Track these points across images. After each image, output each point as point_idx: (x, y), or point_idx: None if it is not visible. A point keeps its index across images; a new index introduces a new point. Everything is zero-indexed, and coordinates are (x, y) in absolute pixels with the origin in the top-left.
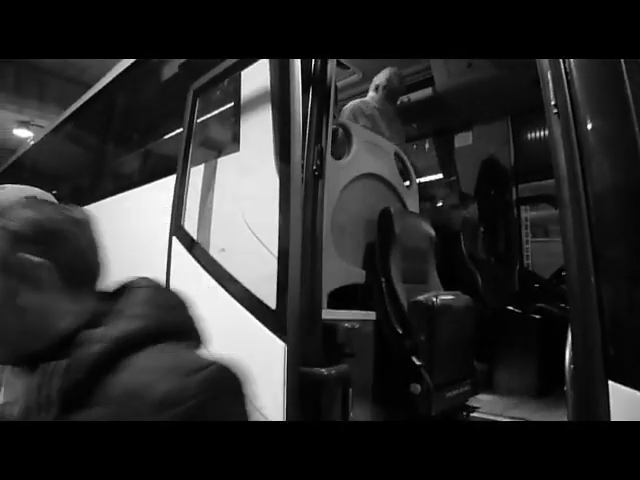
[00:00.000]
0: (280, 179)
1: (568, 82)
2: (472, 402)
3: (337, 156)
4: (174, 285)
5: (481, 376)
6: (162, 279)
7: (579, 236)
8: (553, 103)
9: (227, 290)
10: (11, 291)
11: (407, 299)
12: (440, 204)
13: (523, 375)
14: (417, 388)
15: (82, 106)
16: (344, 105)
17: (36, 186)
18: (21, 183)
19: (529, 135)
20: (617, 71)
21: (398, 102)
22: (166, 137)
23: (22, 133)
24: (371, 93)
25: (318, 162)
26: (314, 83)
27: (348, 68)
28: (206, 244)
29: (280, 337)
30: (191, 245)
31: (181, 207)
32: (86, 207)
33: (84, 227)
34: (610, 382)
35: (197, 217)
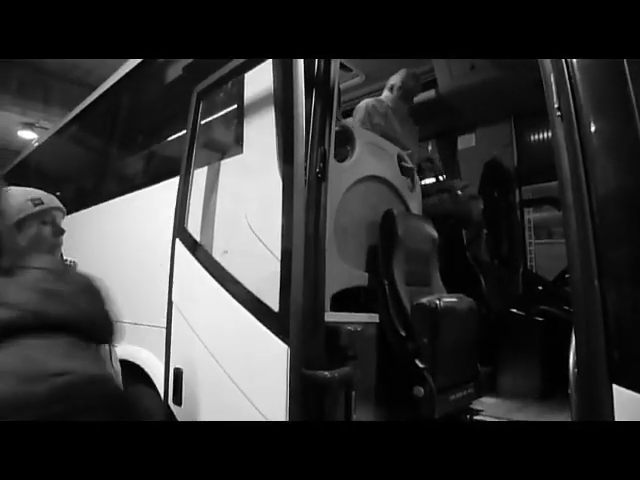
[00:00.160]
0: (283, 181)
1: (571, 84)
2: (475, 405)
3: (340, 158)
4: (178, 287)
5: (484, 379)
6: (165, 281)
7: (583, 239)
8: (556, 106)
9: (230, 292)
10: None
11: (410, 302)
12: (458, 194)
13: (527, 378)
14: (420, 391)
15: (86, 108)
16: (347, 107)
17: (40, 188)
18: (25, 184)
19: (532, 137)
20: (620, 73)
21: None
22: (170, 139)
23: (27, 135)
24: (386, 92)
25: (321, 164)
26: (317, 85)
27: (351, 70)
28: (209, 246)
29: (283, 339)
30: (194, 247)
31: (184, 209)
32: (90, 208)
33: None
34: (614, 386)
35: (200, 219)
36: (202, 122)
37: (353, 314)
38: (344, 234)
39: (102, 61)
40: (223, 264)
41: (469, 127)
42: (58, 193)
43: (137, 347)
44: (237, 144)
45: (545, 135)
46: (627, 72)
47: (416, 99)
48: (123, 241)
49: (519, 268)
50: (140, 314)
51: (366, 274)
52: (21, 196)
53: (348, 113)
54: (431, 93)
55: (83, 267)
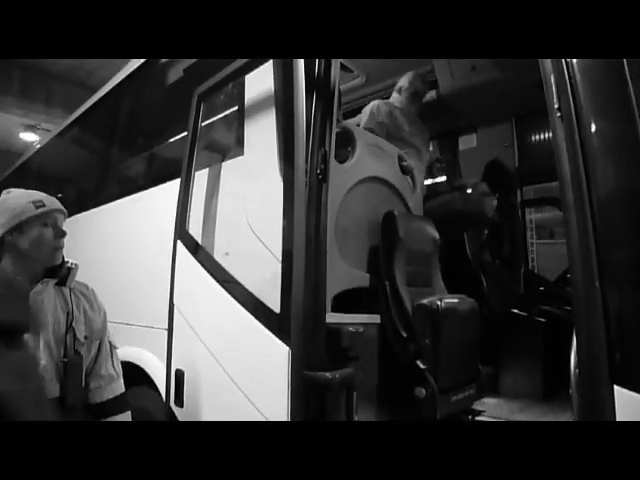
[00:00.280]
0: (284, 183)
1: (571, 85)
2: (477, 406)
3: (341, 159)
4: (179, 288)
5: (486, 379)
6: (167, 282)
7: (584, 240)
8: (556, 107)
9: (231, 294)
10: None
11: (411, 302)
12: (469, 191)
13: (528, 378)
14: (422, 392)
15: (88, 110)
16: (348, 108)
17: (42, 190)
18: (27, 186)
19: (533, 137)
20: (620, 74)
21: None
22: (171, 141)
23: (28, 137)
24: (394, 95)
25: (322, 166)
26: (318, 86)
27: (352, 71)
28: (210, 248)
29: (284, 341)
30: (195, 249)
31: (185, 211)
32: (91, 210)
33: None
34: (615, 386)
35: (201, 221)
36: (203, 124)
37: (354, 315)
38: (345, 235)
39: (103, 63)
40: (224, 265)
41: (470, 128)
42: (60, 195)
43: (139, 349)
44: (238, 146)
45: (546, 135)
46: (627, 73)
47: None
48: (124, 243)
49: (520, 268)
50: (141, 316)
51: (367, 275)
52: (23, 198)
53: (350, 114)
54: (432, 94)
55: (84, 269)
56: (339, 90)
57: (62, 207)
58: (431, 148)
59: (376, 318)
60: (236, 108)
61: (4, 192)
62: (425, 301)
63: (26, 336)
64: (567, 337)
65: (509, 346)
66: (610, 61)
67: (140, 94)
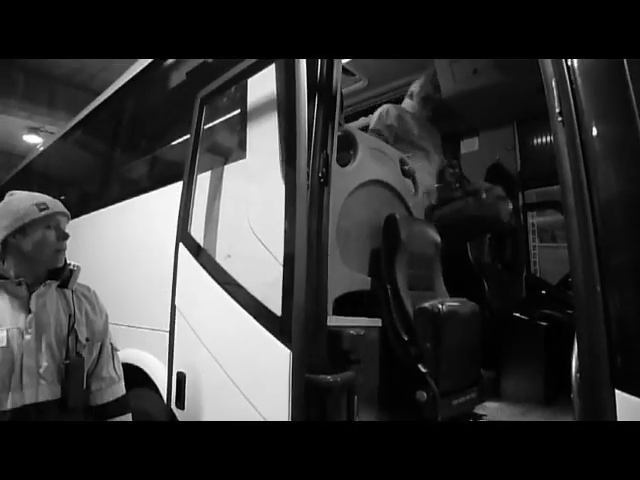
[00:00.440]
0: (286, 186)
1: (572, 89)
2: (479, 410)
3: (342, 163)
4: (181, 291)
5: (487, 383)
6: (169, 285)
7: (585, 244)
8: (557, 110)
9: (233, 296)
10: None
11: (413, 306)
12: (484, 196)
13: (530, 382)
14: (423, 395)
15: (91, 113)
16: (350, 112)
17: (45, 192)
18: (31, 189)
19: (535, 141)
20: (621, 77)
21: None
22: (173, 144)
23: (32, 139)
24: (407, 100)
25: (324, 169)
26: (320, 90)
27: (354, 75)
28: (212, 250)
29: (285, 344)
30: (197, 251)
31: (188, 213)
32: (93, 212)
33: None
34: (617, 391)
35: (204, 223)
36: (205, 127)
37: (355, 318)
38: (346, 238)
39: (106, 66)
40: (226, 268)
41: (472, 131)
42: (62, 197)
43: (140, 351)
44: (240, 149)
45: (548, 139)
46: (628, 75)
47: None
48: (126, 245)
49: (522, 272)
50: (143, 318)
51: (369, 278)
52: (26, 201)
53: (352, 117)
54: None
55: (86, 271)
56: (341, 94)
57: (65, 209)
58: None
59: (377, 321)
60: (238, 111)
61: (7, 194)
62: (426, 304)
63: (28, 337)
64: (569, 341)
65: (511, 350)
66: (610, 63)
67: (142, 97)
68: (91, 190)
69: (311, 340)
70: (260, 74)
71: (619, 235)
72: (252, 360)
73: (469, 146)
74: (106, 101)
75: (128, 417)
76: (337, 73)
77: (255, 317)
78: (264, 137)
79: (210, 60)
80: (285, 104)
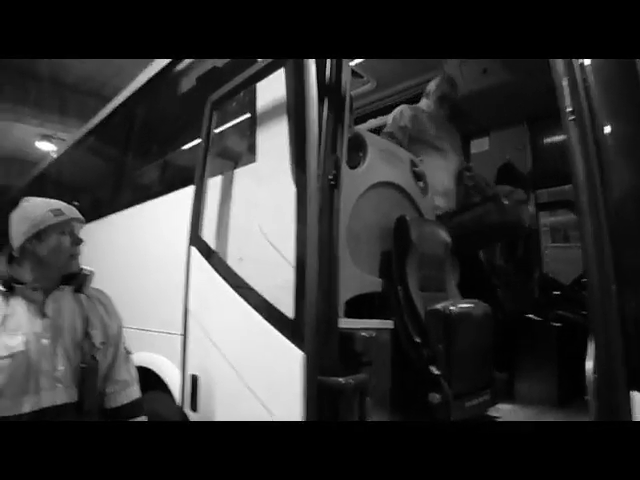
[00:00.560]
0: (296, 189)
1: (585, 88)
2: (492, 412)
3: (352, 165)
4: (193, 294)
5: (501, 385)
6: (181, 288)
7: (599, 243)
8: (569, 110)
9: (245, 299)
10: None
11: (424, 307)
12: (506, 201)
13: (544, 384)
14: (436, 397)
15: (102, 119)
16: (359, 114)
17: (59, 198)
18: (45, 195)
19: (547, 140)
20: (633, 75)
21: None
22: (184, 148)
23: (45, 146)
24: (423, 99)
25: (334, 172)
26: (329, 93)
27: (362, 77)
28: (224, 253)
29: (298, 346)
30: (209, 254)
31: (199, 217)
32: (106, 217)
33: None
34: (633, 392)
35: (215, 227)
36: (216, 131)
37: (367, 320)
38: (357, 240)
39: (117, 72)
40: (238, 271)
41: (482, 131)
42: (76, 203)
43: (154, 354)
44: (250, 152)
45: (560, 138)
46: (639, 73)
47: None
48: (139, 249)
49: (535, 272)
50: (156, 321)
51: (380, 280)
52: (42, 207)
53: (361, 119)
54: None
55: (100, 276)
56: (350, 96)
57: (80, 215)
58: None
59: (389, 323)
60: (248, 115)
61: (23, 200)
62: (438, 306)
63: (44, 342)
64: (583, 342)
65: (524, 351)
66: (622, 61)
67: (153, 103)
68: (103, 195)
69: (323, 342)
70: (269, 78)
71: (634, 234)
72: (265, 362)
73: (479, 146)
74: (117, 108)
75: (143, 419)
76: (346, 75)
77: (267, 320)
78: (274, 140)
79: (220, 65)
80: (295, 107)
